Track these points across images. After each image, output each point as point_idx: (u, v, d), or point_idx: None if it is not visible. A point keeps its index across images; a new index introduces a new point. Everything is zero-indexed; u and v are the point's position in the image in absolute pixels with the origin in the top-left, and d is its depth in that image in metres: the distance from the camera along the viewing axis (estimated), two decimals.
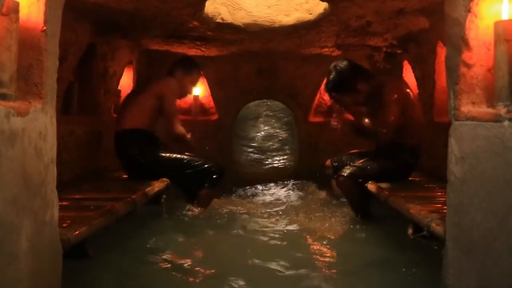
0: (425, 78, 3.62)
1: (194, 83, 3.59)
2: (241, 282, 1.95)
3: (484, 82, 1.49)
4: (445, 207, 1.63)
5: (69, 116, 3.13)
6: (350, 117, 3.12)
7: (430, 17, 3.02)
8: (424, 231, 1.92)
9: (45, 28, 1.41)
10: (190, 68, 3.49)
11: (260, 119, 6.04)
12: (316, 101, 4.77)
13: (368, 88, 3.07)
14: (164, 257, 2.30)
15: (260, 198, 3.99)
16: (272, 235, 2.73)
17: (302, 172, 4.62)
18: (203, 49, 4.14)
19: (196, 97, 4.69)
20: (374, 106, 3.03)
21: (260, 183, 4.47)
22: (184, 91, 3.50)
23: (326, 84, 3.19)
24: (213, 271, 2.12)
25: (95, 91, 3.51)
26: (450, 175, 1.52)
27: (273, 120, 6.02)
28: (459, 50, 1.51)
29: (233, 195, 4.06)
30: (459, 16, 1.51)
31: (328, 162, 3.51)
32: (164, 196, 3.24)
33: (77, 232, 1.75)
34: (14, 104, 1.25)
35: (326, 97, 4.77)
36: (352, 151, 3.44)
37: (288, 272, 2.09)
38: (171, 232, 2.74)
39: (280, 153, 5.48)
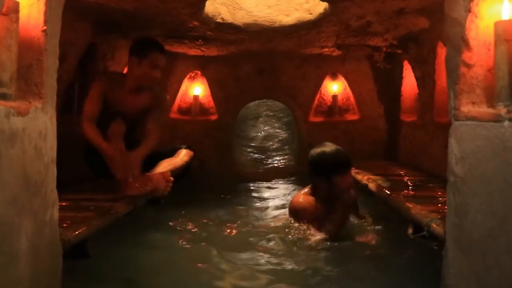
0: (425, 78, 3.62)
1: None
2: (243, 283, 1.95)
3: (484, 82, 1.49)
4: (445, 207, 1.63)
5: (69, 116, 3.13)
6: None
7: (430, 17, 3.02)
8: (424, 231, 1.92)
9: (45, 28, 1.41)
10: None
11: (260, 119, 6.04)
12: (316, 101, 4.77)
13: None
14: (164, 257, 2.30)
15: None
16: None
17: (302, 172, 4.62)
18: (203, 49, 4.15)
19: (196, 97, 4.70)
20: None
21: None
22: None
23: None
24: (213, 270, 2.12)
25: None
26: (450, 175, 1.52)
27: (273, 120, 6.02)
28: (459, 50, 1.51)
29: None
30: (459, 16, 1.50)
31: None
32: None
33: (77, 232, 1.75)
34: (14, 104, 1.25)
35: (326, 97, 4.80)
36: None
37: (287, 270, 2.09)
38: (171, 232, 2.74)
39: (280, 153, 5.48)
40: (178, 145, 3.12)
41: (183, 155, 3.00)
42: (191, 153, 3.06)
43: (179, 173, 2.93)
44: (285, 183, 4.53)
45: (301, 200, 2.74)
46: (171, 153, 3.01)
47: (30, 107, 1.32)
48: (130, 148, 2.77)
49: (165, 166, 2.84)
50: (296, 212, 2.72)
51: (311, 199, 2.70)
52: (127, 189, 2.51)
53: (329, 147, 2.70)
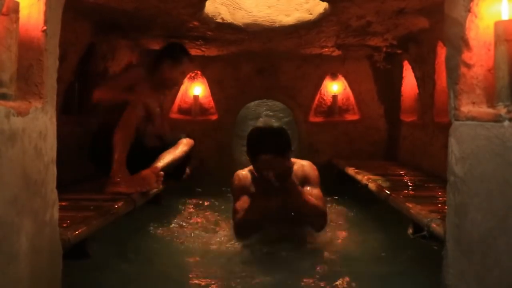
0: (425, 78, 3.62)
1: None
2: (244, 281, 1.95)
3: (484, 82, 1.49)
4: (445, 207, 1.63)
5: (69, 116, 3.13)
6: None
7: (430, 17, 3.02)
8: (424, 231, 1.92)
9: (45, 28, 1.41)
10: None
11: (260, 119, 6.03)
12: (316, 101, 4.77)
13: None
14: (164, 257, 2.30)
15: None
16: None
17: None
18: (203, 49, 4.15)
19: (196, 97, 4.70)
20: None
21: None
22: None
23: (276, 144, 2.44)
24: (213, 269, 2.12)
25: None
26: (450, 175, 1.52)
27: (273, 120, 6.01)
28: (459, 50, 1.51)
29: None
30: (459, 16, 1.51)
31: None
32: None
33: (77, 232, 1.75)
34: (14, 104, 1.25)
35: (326, 97, 4.80)
36: None
37: (286, 269, 2.09)
38: (171, 232, 2.74)
39: None
40: (178, 135, 3.13)
41: (182, 145, 3.02)
42: (191, 141, 3.09)
43: (180, 164, 2.95)
44: None
45: (241, 172, 2.63)
46: (173, 144, 3.02)
47: (30, 107, 1.32)
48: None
49: (165, 158, 2.86)
50: (232, 183, 2.61)
51: (249, 174, 2.57)
52: (115, 185, 2.54)
53: (261, 130, 2.54)
